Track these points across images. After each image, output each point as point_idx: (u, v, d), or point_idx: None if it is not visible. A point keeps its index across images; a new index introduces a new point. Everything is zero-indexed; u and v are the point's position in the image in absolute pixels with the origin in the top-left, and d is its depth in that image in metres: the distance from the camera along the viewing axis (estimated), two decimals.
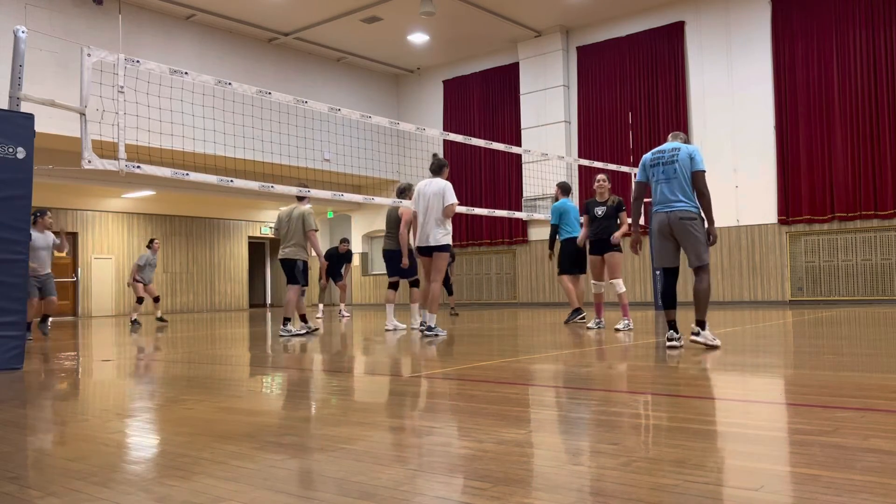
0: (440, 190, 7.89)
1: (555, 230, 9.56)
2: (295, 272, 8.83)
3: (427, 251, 8.03)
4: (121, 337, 9.87)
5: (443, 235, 7.96)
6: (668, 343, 5.73)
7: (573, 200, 10.29)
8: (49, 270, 9.85)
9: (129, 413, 3.55)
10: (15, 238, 5.59)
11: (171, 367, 5.80)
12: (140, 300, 12.88)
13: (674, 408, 3.28)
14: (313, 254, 9.24)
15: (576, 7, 16.70)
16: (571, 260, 9.44)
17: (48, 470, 2.37)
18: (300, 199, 9.04)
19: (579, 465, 2.29)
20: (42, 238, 9.71)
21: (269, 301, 24.95)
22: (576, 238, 9.38)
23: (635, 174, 5.81)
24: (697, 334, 5.67)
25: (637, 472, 2.14)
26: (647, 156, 5.98)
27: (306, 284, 9.07)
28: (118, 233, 20.23)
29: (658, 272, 5.64)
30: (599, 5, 16.66)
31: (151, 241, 13.38)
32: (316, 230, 8.94)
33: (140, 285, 12.93)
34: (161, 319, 13.66)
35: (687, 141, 6.03)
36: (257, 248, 24.36)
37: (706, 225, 5.74)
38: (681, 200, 5.64)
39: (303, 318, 9.14)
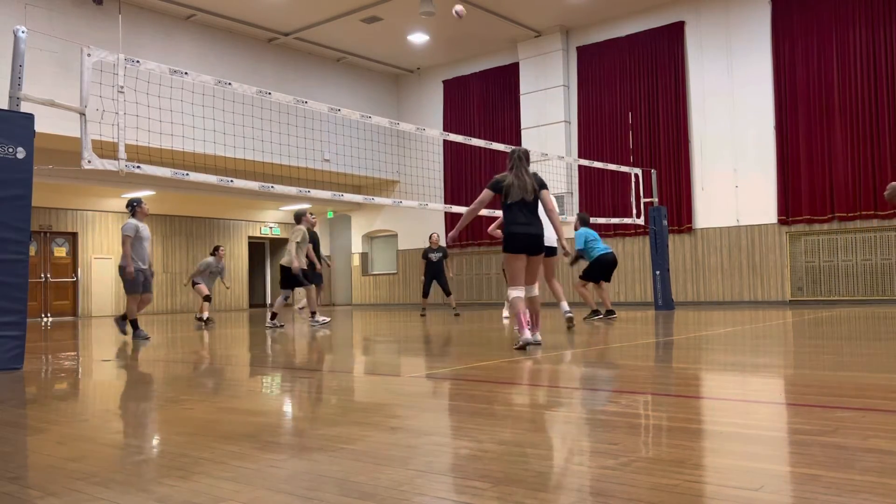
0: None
1: (580, 254, 10.79)
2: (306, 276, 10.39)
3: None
4: (121, 336, 9.86)
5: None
6: None
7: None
8: (150, 264, 9.24)
9: (129, 413, 3.55)
10: (15, 238, 5.58)
11: (170, 367, 5.80)
12: (208, 298, 12.77)
13: (674, 408, 3.28)
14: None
15: (576, 7, 16.69)
16: (604, 271, 10.71)
17: (48, 470, 2.37)
18: (298, 221, 10.74)
19: (579, 465, 2.29)
20: (145, 229, 9.16)
21: (268, 301, 24.93)
22: (610, 253, 10.71)
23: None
24: None
25: (637, 472, 2.14)
26: None
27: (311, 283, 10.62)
28: (118, 233, 20.19)
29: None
30: (599, 5, 16.65)
31: (216, 248, 13.30)
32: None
33: (202, 286, 12.86)
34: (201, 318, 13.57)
35: None
36: (257, 248, 24.33)
37: None
38: None
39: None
